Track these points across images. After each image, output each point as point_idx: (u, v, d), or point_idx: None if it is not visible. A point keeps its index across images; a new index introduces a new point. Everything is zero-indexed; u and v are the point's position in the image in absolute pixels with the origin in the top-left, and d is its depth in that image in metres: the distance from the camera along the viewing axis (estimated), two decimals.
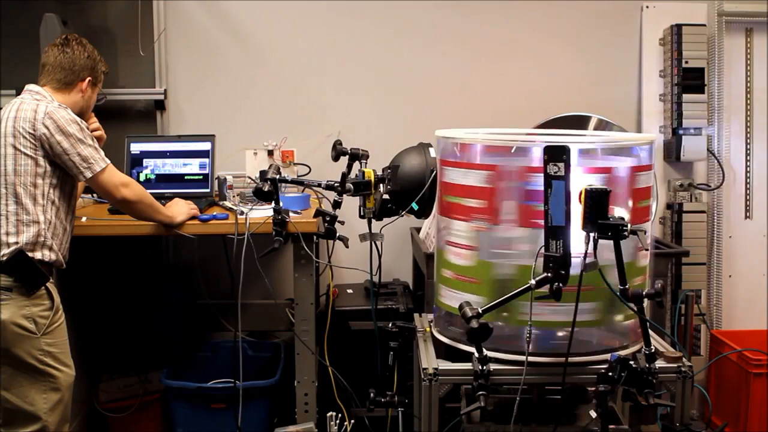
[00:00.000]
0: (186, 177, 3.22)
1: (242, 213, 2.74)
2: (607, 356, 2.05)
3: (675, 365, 2.17)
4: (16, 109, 2.35)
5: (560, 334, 2.14)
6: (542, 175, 1.95)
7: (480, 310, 2.01)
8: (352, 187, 2.35)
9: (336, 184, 2.38)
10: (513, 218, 2.14)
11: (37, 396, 2.29)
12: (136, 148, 3.22)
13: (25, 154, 2.30)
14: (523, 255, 2.10)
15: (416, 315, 2.73)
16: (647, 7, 3.63)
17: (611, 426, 2.17)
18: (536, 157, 2.07)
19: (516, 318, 2.12)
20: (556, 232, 1.94)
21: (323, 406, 2.94)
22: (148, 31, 3.49)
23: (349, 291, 3.36)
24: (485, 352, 2.07)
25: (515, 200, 2.13)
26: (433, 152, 2.39)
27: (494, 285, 2.16)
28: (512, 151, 2.14)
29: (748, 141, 3.71)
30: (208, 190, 3.18)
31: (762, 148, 3.70)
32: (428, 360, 2.25)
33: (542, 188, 1.96)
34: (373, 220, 2.41)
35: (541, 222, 1.97)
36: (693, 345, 3.57)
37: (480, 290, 2.18)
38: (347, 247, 2.45)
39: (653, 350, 2.07)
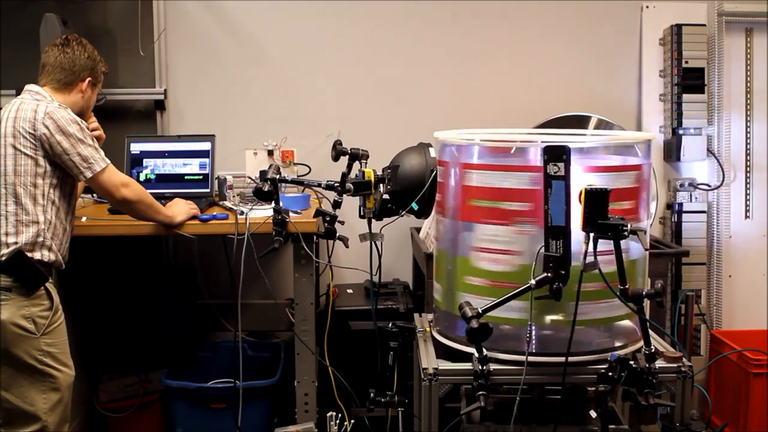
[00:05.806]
0: (186, 177, 3.21)
1: (242, 213, 2.74)
2: (607, 356, 2.05)
3: (675, 365, 2.17)
4: (16, 109, 2.34)
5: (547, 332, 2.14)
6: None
7: (480, 310, 2.01)
8: (352, 187, 2.34)
9: (336, 184, 2.38)
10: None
11: (36, 396, 2.29)
12: (136, 148, 3.22)
13: (25, 154, 2.30)
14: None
15: (416, 315, 2.73)
16: (647, 7, 3.63)
17: (611, 426, 2.17)
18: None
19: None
20: (556, 232, 1.94)
21: (323, 406, 2.94)
22: (148, 31, 3.49)
23: (349, 291, 3.36)
24: (485, 352, 2.07)
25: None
26: (433, 152, 2.38)
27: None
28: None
29: (748, 141, 3.70)
30: (208, 190, 3.18)
31: (762, 147, 3.70)
32: (428, 360, 2.25)
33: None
34: (373, 220, 2.40)
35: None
36: (693, 345, 3.56)
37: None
38: (347, 247, 2.45)
39: (653, 350, 2.07)
